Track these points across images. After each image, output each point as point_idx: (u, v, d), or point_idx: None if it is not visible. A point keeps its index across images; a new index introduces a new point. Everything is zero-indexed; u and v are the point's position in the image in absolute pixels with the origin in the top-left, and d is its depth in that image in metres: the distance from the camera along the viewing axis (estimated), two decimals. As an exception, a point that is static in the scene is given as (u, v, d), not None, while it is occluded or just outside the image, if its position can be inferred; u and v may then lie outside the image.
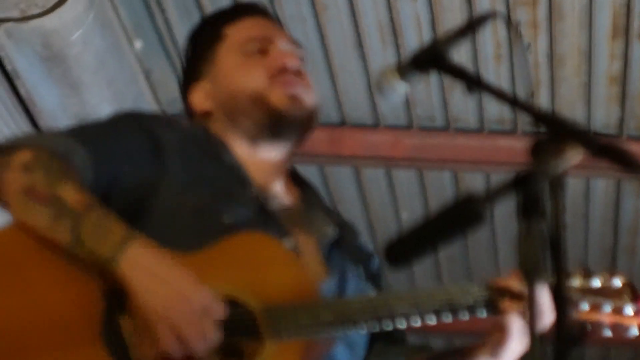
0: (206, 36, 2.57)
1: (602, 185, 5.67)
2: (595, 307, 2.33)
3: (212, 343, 2.07)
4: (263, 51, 2.49)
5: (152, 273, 2.07)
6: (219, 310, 2.08)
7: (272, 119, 2.41)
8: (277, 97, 2.42)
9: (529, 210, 1.65)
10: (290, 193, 2.49)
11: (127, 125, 2.34)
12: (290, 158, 2.50)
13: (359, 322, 2.20)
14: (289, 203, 2.44)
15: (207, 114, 2.50)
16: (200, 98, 2.51)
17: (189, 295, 2.06)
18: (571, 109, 5.10)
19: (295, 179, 2.54)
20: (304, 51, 2.58)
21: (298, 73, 2.47)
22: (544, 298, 1.69)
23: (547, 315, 1.90)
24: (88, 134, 2.29)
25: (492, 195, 1.70)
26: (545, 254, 1.63)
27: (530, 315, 1.63)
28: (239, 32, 2.53)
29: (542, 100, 5.06)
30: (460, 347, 2.40)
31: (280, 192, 2.45)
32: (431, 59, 2.01)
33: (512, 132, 5.31)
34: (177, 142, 2.34)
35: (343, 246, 2.45)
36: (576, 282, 2.34)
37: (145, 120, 2.37)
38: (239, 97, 2.44)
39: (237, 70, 2.47)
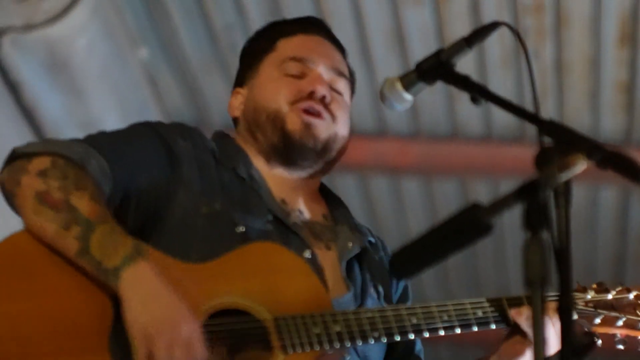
0: (260, 44, 2.55)
1: (610, 193, 5.66)
2: (609, 321, 2.31)
3: None
4: (301, 75, 2.47)
5: (149, 293, 2.07)
6: (200, 351, 2.07)
7: (283, 143, 2.40)
8: (292, 122, 2.40)
9: (535, 219, 1.63)
10: (316, 207, 2.47)
11: (142, 132, 2.35)
12: (316, 178, 2.49)
13: (368, 334, 2.20)
14: (312, 217, 2.44)
15: (235, 120, 2.51)
16: (236, 103, 2.52)
17: (177, 324, 2.05)
18: (578, 116, 5.09)
19: (324, 193, 2.53)
20: (349, 83, 2.53)
21: (325, 102, 2.45)
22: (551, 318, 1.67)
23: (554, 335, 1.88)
24: (105, 141, 2.29)
25: (498, 205, 1.68)
26: (551, 264, 1.62)
27: (535, 324, 1.61)
28: (286, 49, 2.50)
29: (549, 108, 5.05)
30: None
31: (302, 205, 2.44)
32: (436, 69, 1.99)
33: (519, 139, 5.30)
34: (193, 152, 2.34)
35: (366, 263, 2.43)
36: (590, 295, 2.32)
37: (161, 128, 2.37)
38: (260, 112, 2.44)
39: (268, 86, 2.46)
